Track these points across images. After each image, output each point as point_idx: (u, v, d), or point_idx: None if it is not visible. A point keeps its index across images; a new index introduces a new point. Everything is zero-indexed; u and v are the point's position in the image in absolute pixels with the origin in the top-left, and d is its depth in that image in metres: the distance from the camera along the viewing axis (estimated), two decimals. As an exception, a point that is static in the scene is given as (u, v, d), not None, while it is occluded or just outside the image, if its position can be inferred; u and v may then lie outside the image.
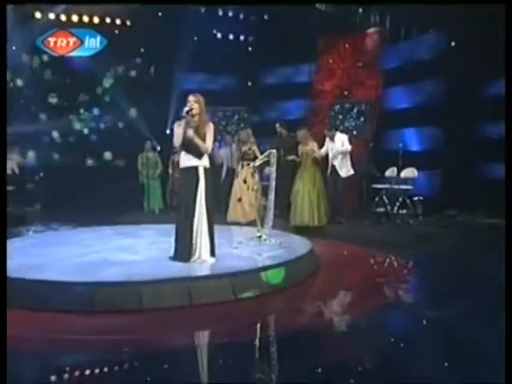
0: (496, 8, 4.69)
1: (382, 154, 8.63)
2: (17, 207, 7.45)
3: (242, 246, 5.08)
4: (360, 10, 9.67)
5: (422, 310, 3.87)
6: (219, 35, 10.67)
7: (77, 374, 2.84)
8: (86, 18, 6.98)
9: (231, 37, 10.67)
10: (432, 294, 4.39)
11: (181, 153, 4.46)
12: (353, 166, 7.44)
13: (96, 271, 4.08)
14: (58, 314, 3.41)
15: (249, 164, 7.07)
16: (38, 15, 6.32)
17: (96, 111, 8.26)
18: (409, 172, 7.88)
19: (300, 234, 5.98)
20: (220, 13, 10.27)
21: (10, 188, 7.11)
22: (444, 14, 7.78)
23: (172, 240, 4.47)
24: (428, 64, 8.65)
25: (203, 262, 4.41)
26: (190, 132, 4.34)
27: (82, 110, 8.45)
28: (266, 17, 10.48)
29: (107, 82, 9.06)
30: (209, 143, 4.42)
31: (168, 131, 9.48)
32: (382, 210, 7.83)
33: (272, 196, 5.35)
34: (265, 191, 8.57)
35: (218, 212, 8.12)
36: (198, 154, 4.42)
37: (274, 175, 5.30)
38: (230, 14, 10.38)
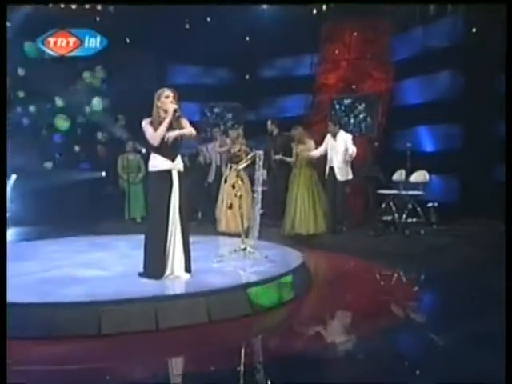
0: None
1: (389, 155, 8.57)
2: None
3: (223, 260, 5.02)
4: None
5: (434, 335, 3.71)
6: (213, 23, 10.61)
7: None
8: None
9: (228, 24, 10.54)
10: (446, 316, 4.23)
11: (151, 154, 4.40)
12: (353, 168, 7.40)
13: (56, 290, 4.01)
14: (11, 341, 3.33)
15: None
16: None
17: (63, 103, 7.93)
18: (419, 176, 7.81)
19: (294, 245, 5.93)
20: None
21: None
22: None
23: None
24: (444, 54, 8.54)
25: (176, 278, 4.34)
26: (175, 132, 4.32)
27: (48, 104, 8.31)
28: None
29: (84, 74, 9.06)
30: (190, 128, 4.41)
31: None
32: (388, 218, 7.79)
33: (258, 203, 5.26)
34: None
35: (207, 220, 8.33)
36: (172, 156, 4.37)
37: (260, 180, 5.28)
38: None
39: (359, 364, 3.29)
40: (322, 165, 7.35)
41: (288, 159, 7.40)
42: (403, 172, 7.80)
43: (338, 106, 9.57)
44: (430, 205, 7.87)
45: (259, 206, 5.43)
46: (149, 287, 4.12)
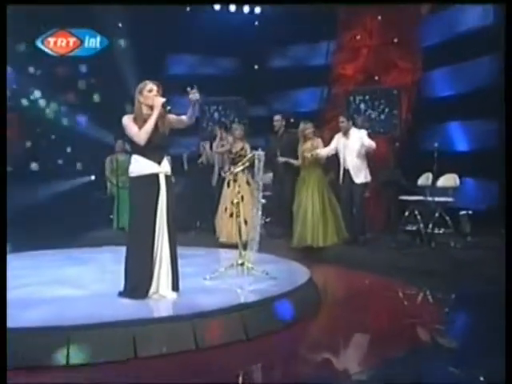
0: None
1: (413, 157, 8.51)
2: None
3: (217, 277, 4.98)
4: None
5: (465, 366, 3.57)
6: (218, 5, 10.56)
7: None
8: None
9: (233, 8, 10.58)
10: (480, 343, 4.07)
11: (132, 156, 4.37)
12: (372, 171, 7.35)
13: (18, 313, 3.92)
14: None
15: (243, 170, 7.06)
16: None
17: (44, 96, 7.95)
18: (448, 180, 7.71)
19: (302, 259, 5.92)
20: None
21: None
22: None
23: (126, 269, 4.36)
24: (480, 38, 8.33)
25: (162, 298, 4.29)
26: (164, 130, 4.34)
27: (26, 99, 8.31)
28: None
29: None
30: (183, 117, 4.46)
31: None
32: (412, 228, 7.72)
33: (258, 211, 5.21)
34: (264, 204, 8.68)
35: (206, 229, 8.31)
36: (159, 158, 4.35)
37: (260, 184, 5.22)
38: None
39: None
40: (335, 167, 7.33)
41: (293, 161, 7.39)
42: (430, 175, 7.72)
43: (356, 100, 9.48)
44: (462, 213, 7.71)
45: (259, 214, 5.35)
46: (129, 309, 4.07)
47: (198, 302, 4.23)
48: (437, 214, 7.51)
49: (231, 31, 10.04)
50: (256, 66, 11.15)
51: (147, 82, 4.37)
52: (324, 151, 7.15)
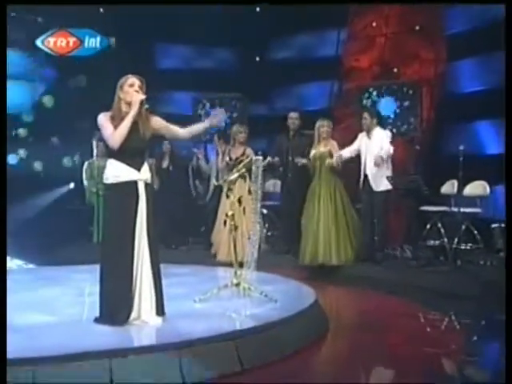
0: None
1: (436, 161, 8.54)
2: None
3: (209, 299, 4.99)
4: None
5: None
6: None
7: None
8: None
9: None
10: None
11: (108, 160, 4.38)
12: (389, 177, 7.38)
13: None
14: None
15: (245, 177, 7.10)
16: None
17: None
18: (476, 187, 7.75)
19: (310, 278, 6.00)
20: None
21: None
22: None
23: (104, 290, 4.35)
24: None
25: (144, 324, 4.28)
26: (145, 133, 4.35)
27: None
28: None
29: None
30: (180, 130, 4.65)
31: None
32: (435, 243, 7.75)
33: (256, 224, 5.21)
34: (268, 215, 8.72)
35: (200, 244, 8.32)
36: (138, 163, 4.36)
37: (259, 194, 5.21)
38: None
39: None
40: (352, 173, 7.40)
41: (303, 161, 7.44)
42: (455, 183, 7.72)
43: (371, 97, 9.46)
44: (493, 226, 7.69)
45: (257, 226, 5.33)
46: (105, 337, 4.05)
47: (187, 328, 4.22)
48: (463, 227, 7.52)
49: (229, 18, 10.06)
50: (258, 58, 11.19)
51: (129, 75, 4.39)
52: (345, 152, 7.21)
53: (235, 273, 5.23)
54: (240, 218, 7.32)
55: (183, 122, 10.52)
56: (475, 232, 7.57)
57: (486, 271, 7.00)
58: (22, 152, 9.63)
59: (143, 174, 4.35)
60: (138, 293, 4.28)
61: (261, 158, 5.41)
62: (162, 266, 4.41)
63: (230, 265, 6.36)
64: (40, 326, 4.31)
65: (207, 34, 10.37)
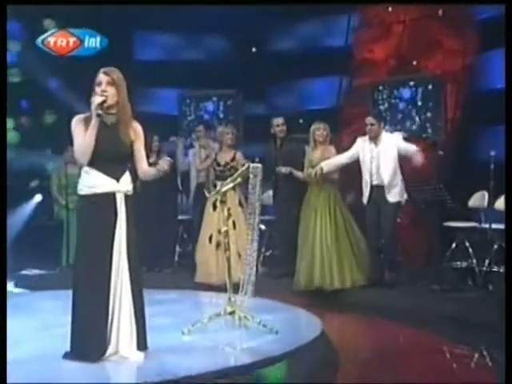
0: None
1: (463, 169, 8.52)
2: None
3: (199, 330, 5.00)
4: None
5: None
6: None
7: None
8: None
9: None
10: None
11: (83, 168, 4.41)
12: (406, 188, 7.38)
13: None
14: None
15: (234, 188, 7.11)
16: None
17: None
18: None
19: (312, 305, 5.94)
20: None
21: None
22: None
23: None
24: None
25: (123, 360, 4.28)
26: (126, 139, 4.37)
27: None
28: None
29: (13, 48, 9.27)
30: (143, 165, 4.50)
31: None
32: (462, 265, 7.75)
33: (254, 242, 5.25)
34: (267, 232, 8.73)
35: (183, 266, 8.32)
36: (116, 172, 4.39)
37: (257, 205, 5.24)
38: None
39: None
40: (354, 183, 7.38)
41: (297, 173, 7.51)
42: (485, 195, 7.75)
43: (386, 94, 9.51)
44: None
45: (255, 245, 5.35)
46: (77, 375, 4.05)
47: (173, 364, 4.23)
48: (495, 247, 7.51)
49: (221, 1, 10.09)
50: (254, 49, 11.24)
51: (101, 70, 4.40)
52: (338, 160, 7.22)
53: (229, 299, 5.24)
54: (231, 232, 7.33)
55: (168, 123, 10.57)
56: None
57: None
58: None
59: (123, 185, 4.37)
60: (115, 323, 4.28)
61: (259, 165, 5.42)
62: (144, 291, 4.42)
63: (223, 290, 6.42)
64: (1, 361, 4.32)
65: (195, 20, 10.41)
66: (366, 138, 7.41)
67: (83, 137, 4.28)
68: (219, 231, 5.49)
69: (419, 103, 9.24)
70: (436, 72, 9.39)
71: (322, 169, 7.11)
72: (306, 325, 5.24)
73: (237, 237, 7.18)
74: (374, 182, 7.35)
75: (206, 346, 4.65)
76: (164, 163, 4.48)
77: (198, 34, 11.08)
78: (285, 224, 7.88)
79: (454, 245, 7.81)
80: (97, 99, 4.27)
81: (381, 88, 9.57)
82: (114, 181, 4.34)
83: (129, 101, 4.43)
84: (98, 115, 4.26)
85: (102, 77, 4.34)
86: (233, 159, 7.69)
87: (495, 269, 7.52)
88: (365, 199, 7.40)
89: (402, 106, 9.34)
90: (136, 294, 4.33)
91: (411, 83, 9.37)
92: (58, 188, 8.98)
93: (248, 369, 4.27)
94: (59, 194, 8.97)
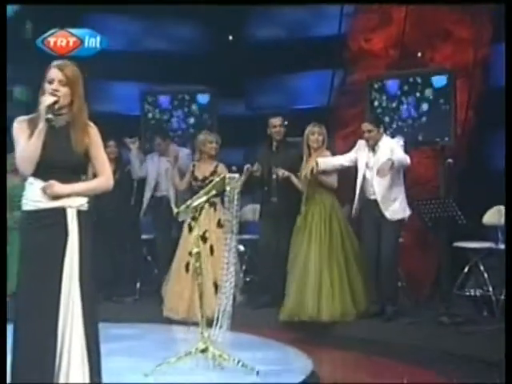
0: None
1: (476, 180, 8.57)
2: None
3: (165, 371, 5.01)
4: None
5: None
6: None
7: None
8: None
9: None
10: None
11: (27, 180, 4.37)
12: (410, 202, 7.44)
13: None
14: None
15: (214, 203, 7.34)
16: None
17: None
18: None
19: (299, 340, 6.05)
20: None
21: None
22: None
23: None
24: None
25: None
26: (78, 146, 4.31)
27: None
28: None
29: None
30: (106, 171, 4.44)
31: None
32: (476, 293, 7.80)
33: (231, 266, 5.24)
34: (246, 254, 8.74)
35: (146, 294, 8.31)
36: (67, 184, 4.33)
37: (234, 223, 5.21)
38: None
39: None
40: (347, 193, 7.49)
41: (297, 182, 7.57)
42: (502, 210, 7.71)
43: (386, 91, 9.52)
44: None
45: (232, 269, 5.33)
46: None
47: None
48: (514, 271, 7.58)
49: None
50: (231, 37, 11.29)
51: (55, 63, 4.31)
52: (336, 160, 7.31)
53: (201, 334, 5.24)
54: (207, 258, 7.33)
55: (128, 125, 10.54)
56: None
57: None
58: None
59: (75, 199, 4.32)
60: (65, 363, 4.22)
61: (236, 175, 5.41)
62: (100, 325, 4.40)
63: (194, 323, 6.42)
64: None
65: (162, 5, 10.30)
66: (365, 144, 7.47)
67: (26, 143, 4.23)
68: (190, 253, 5.46)
69: (424, 102, 9.26)
70: (444, 66, 9.42)
71: (317, 164, 7.15)
72: (293, 364, 5.22)
73: (214, 264, 7.19)
74: (372, 197, 7.40)
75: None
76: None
77: (164, 19, 11.08)
78: (270, 244, 7.91)
79: (466, 269, 7.87)
80: (47, 99, 4.20)
81: (380, 84, 9.58)
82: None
83: (85, 100, 4.37)
84: (48, 120, 4.19)
85: (54, 72, 4.26)
86: (213, 173, 7.71)
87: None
88: (353, 212, 7.46)
89: (404, 105, 9.33)
90: (89, 328, 4.28)
91: (415, 78, 9.34)
92: (-4, 202, 8.92)
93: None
94: (-1, 210, 8.91)
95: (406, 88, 9.35)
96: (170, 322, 7.23)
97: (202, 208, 5.71)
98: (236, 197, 5.40)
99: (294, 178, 7.65)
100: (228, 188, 5.32)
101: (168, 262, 7.87)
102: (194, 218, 5.31)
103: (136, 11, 10.86)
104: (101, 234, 7.70)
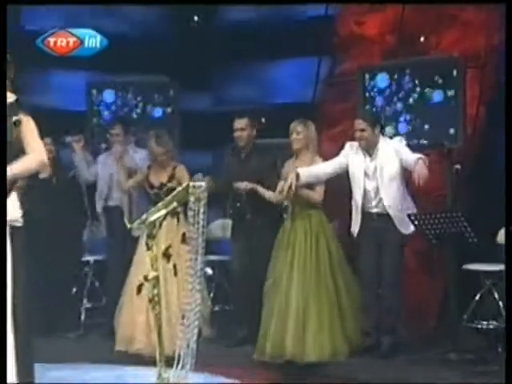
0: None
1: (489, 190, 8.60)
2: None
3: None
4: None
5: None
6: None
7: None
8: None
9: None
10: None
11: None
12: (414, 216, 7.43)
13: None
14: None
15: (177, 214, 7.40)
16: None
17: None
18: None
19: (282, 380, 6.20)
20: None
21: None
22: None
23: None
24: None
25: None
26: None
27: None
28: None
29: None
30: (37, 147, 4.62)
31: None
32: (489, 325, 7.85)
33: (196, 293, 5.20)
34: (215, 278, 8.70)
35: (98, 330, 8.27)
36: None
37: (200, 241, 5.14)
38: None
39: None
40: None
41: (269, 194, 7.56)
42: (518, 226, 7.80)
43: (382, 84, 9.54)
44: None
45: (198, 297, 5.29)
46: None
47: None
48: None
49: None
50: (196, 18, 11.37)
51: None
52: (320, 169, 7.31)
53: (159, 375, 5.21)
54: (169, 283, 7.31)
55: (72, 122, 10.50)
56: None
57: None
58: None
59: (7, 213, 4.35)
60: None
61: (203, 183, 5.34)
62: (36, 365, 4.38)
63: (151, 360, 6.40)
64: None
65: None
66: (357, 146, 7.50)
67: None
68: (146, 278, 5.40)
69: (427, 96, 9.28)
70: (451, 54, 9.45)
71: (297, 176, 7.13)
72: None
73: (179, 287, 7.20)
74: (374, 210, 7.46)
75: None
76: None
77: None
78: (244, 267, 7.91)
79: (477, 296, 7.91)
80: None
81: (374, 75, 9.61)
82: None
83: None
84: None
85: None
86: (171, 178, 7.72)
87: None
88: (355, 229, 7.49)
89: (403, 99, 9.37)
90: (24, 370, 4.31)
91: (417, 68, 9.37)
92: None
93: None
94: None
95: (405, 80, 9.38)
96: (122, 359, 7.18)
97: (161, 222, 5.68)
98: (202, 210, 5.32)
99: (261, 190, 7.66)
100: (192, 199, 5.25)
101: (120, 289, 7.84)
102: (151, 236, 5.23)
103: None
104: (38, 254, 7.65)
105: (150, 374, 5.76)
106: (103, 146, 9.38)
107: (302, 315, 7.01)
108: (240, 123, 8.02)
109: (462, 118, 8.86)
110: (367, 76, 9.54)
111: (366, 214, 7.48)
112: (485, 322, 7.87)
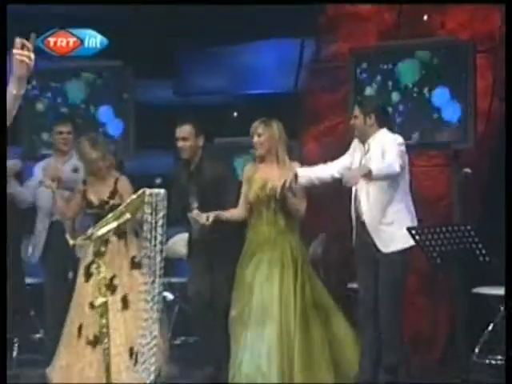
0: None
1: (501, 199, 8.52)
2: None
3: None
4: None
5: None
6: None
7: None
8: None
9: None
10: None
11: None
12: (415, 230, 7.40)
13: None
14: None
15: (124, 234, 7.52)
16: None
17: None
18: None
19: None
20: None
21: None
22: None
23: None
24: None
25: None
26: None
27: None
28: None
29: None
30: None
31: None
32: (503, 360, 7.80)
33: (153, 323, 5.18)
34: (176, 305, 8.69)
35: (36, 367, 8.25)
36: None
37: (158, 261, 5.12)
38: None
39: None
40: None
41: (228, 214, 7.61)
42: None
43: (378, 70, 9.56)
44: None
45: (155, 328, 5.27)
46: None
47: None
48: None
49: None
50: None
51: None
52: (325, 171, 7.36)
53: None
54: (118, 315, 7.29)
55: None
56: None
57: None
58: None
59: None
60: None
61: (162, 191, 5.31)
62: None
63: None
64: None
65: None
66: (357, 142, 7.56)
67: None
68: (92, 305, 5.37)
69: (431, 86, 9.35)
70: (459, 36, 9.57)
71: (295, 178, 7.17)
72: None
73: (128, 323, 7.28)
74: (361, 217, 7.48)
75: None
76: None
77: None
78: (203, 291, 7.91)
79: (490, 326, 7.99)
80: None
81: (369, 60, 9.65)
82: None
83: None
84: None
85: None
86: (113, 193, 7.75)
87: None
88: (353, 242, 7.55)
89: (403, 89, 9.44)
90: None
91: (419, 52, 9.45)
92: None
93: None
94: None
95: (405, 65, 9.42)
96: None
97: (107, 241, 5.62)
98: (160, 222, 5.30)
99: (224, 215, 7.61)
100: (148, 210, 5.23)
101: (61, 319, 7.83)
102: (99, 254, 5.21)
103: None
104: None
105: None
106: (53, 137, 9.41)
107: (285, 349, 7.10)
108: (181, 132, 8.06)
109: (472, 112, 8.93)
110: (360, 61, 9.59)
111: (359, 224, 7.51)
112: (499, 357, 7.93)
